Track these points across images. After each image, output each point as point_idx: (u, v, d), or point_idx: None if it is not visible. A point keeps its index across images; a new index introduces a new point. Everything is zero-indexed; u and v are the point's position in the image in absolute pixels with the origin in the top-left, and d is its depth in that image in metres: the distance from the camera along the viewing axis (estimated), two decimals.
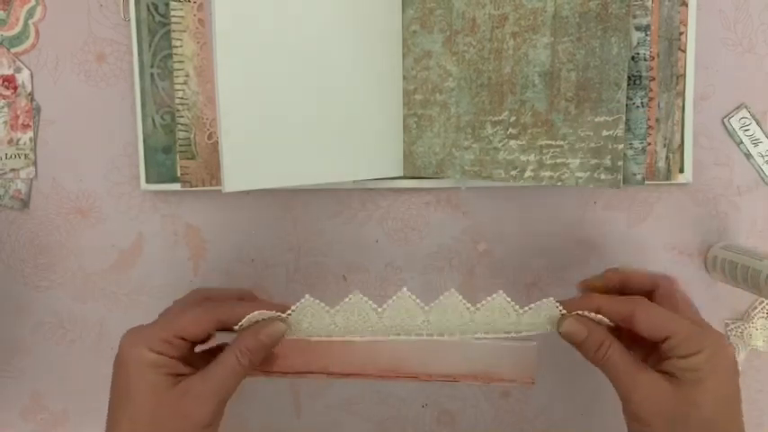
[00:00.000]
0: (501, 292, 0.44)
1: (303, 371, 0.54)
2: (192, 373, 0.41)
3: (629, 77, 0.46)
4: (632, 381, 0.40)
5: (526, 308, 0.44)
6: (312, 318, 0.45)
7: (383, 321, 0.45)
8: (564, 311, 0.43)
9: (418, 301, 0.44)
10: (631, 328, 0.41)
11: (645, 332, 0.40)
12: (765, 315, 0.53)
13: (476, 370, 0.54)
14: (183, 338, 0.41)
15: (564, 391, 0.54)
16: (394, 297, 0.44)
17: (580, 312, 0.42)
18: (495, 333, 0.47)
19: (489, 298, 0.45)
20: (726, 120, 0.51)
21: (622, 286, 0.44)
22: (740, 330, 0.53)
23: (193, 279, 0.53)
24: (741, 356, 0.53)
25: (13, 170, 0.52)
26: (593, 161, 0.45)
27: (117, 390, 0.41)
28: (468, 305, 0.44)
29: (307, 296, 0.42)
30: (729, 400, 0.40)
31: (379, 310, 0.44)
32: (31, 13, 0.52)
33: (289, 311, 0.43)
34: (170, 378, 0.40)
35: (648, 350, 0.42)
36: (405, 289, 0.43)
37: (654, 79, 0.47)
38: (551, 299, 0.43)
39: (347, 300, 0.44)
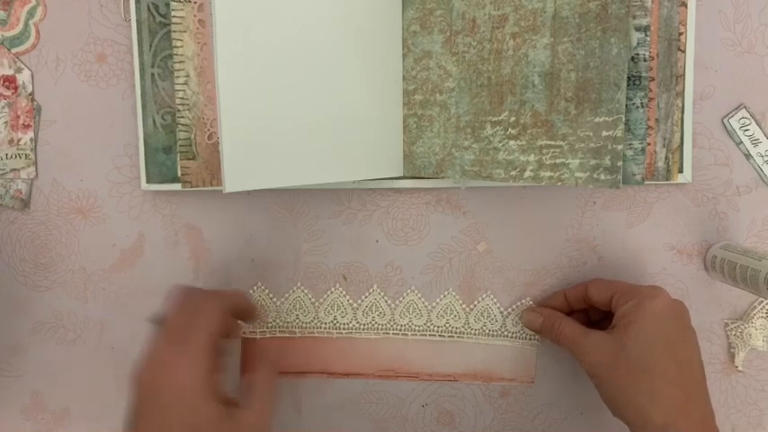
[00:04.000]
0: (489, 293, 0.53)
1: (303, 371, 0.54)
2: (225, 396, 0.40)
3: (628, 78, 0.46)
4: (580, 343, 0.47)
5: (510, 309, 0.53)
6: (299, 311, 0.53)
7: (357, 319, 0.53)
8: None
9: (388, 300, 0.53)
10: (589, 302, 0.50)
11: (596, 298, 0.49)
12: (765, 315, 0.53)
13: (476, 370, 0.54)
14: (213, 335, 0.40)
15: (564, 391, 0.54)
16: (366, 293, 0.53)
17: (533, 306, 0.53)
18: (486, 337, 0.54)
19: (476, 301, 0.53)
20: (725, 120, 0.51)
21: (566, 300, 0.51)
22: (740, 330, 0.53)
23: (194, 279, 0.54)
24: (741, 356, 0.53)
25: (13, 170, 0.52)
26: (593, 161, 0.45)
27: (166, 423, 0.37)
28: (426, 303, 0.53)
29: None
30: (657, 342, 0.44)
31: (354, 305, 0.53)
32: (31, 14, 0.52)
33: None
34: (221, 405, 0.38)
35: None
36: (375, 286, 0.53)
37: (653, 80, 0.48)
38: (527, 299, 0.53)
39: (330, 292, 0.53)
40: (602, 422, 0.54)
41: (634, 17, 0.46)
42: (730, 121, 0.51)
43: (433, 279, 0.53)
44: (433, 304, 0.53)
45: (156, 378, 0.38)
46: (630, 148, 0.47)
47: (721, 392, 0.54)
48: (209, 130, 0.49)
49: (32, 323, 0.54)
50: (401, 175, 0.51)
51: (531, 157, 0.47)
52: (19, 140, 0.52)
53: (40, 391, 0.55)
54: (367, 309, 0.54)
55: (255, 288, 0.54)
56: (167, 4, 0.49)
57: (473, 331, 0.53)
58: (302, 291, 0.54)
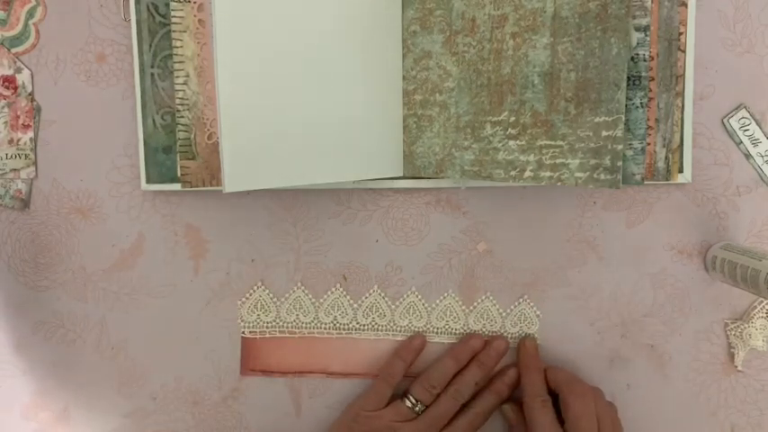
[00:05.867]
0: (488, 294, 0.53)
1: (303, 371, 0.54)
2: None
3: (628, 78, 0.46)
4: None
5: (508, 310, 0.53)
6: (299, 311, 0.53)
7: (357, 319, 0.53)
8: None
9: (388, 300, 0.53)
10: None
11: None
12: (765, 315, 0.53)
13: None
14: None
15: None
16: (363, 297, 0.53)
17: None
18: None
19: (476, 303, 0.53)
20: (725, 120, 0.51)
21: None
22: (740, 330, 0.53)
23: (194, 279, 0.54)
24: (741, 356, 0.53)
25: (13, 170, 0.52)
26: (593, 161, 0.45)
27: None
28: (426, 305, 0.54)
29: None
30: None
31: (355, 305, 0.53)
32: (31, 14, 0.52)
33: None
34: None
35: None
36: (375, 286, 0.54)
37: (653, 79, 0.48)
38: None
39: (330, 292, 0.53)
40: None
41: (634, 17, 0.46)
42: (730, 121, 0.51)
43: (433, 279, 0.53)
44: (433, 306, 0.53)
45: None
46: (630, 148, 0.47)
47: (721, 392, 0.54)
48: (208, 130, 0.49)
49: (32, 323, 0.54)
50: (401, 175, 0.51)
51: (531, 157, 0.47)
52: (19, 140, 0.52)
53: (40, 391, 0.55)
54: (367, 309, 0.54)
55: (255, 288, 0.54)
56: (167, 4, 0.49)
57: (473, 333, 0.53)
58: (302, 291, 0.54)
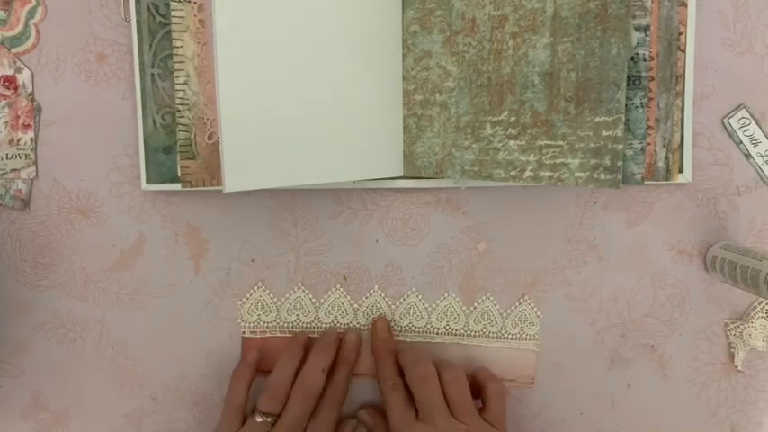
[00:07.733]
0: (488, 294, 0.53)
1: None
2: None
3: (628, 78, 0.46)
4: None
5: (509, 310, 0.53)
6: (299, 311, 0.53)
7: (358, 319, 0.54)
8: None
9: (389, 301, 0.53)
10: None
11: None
12: (765, 315, 0.53)
13: (476, 370, 0.54)
14: None
15: (564, 392, 0.54)
16: (363, 298, 0.53)
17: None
18: (486, 339, 0.54)
19: (477, 303, 0.53)
20: (725, 120, 0.51)
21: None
22: (740, 330, 0.53)
23: (194, 279, 0.54)
24: (741, 356, 0.53)
25: (13, 170, 0.52)
26: (593, 161, 0.45)
27: None
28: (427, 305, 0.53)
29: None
30: None
31: (355, 305, 0.53)
32: (31, 14, 0.52)
33: None
34: None
35: None
36: (376, 286, 0.54)
37: (653, 79, 0.48)
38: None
39: (331, 292, 0.53)
40: (602, 422, 0.54)
41: (634, 17, 0.46)
42: (730, 121, 0.51)
43: (433, 279, 0.53)
44: (434, 306, 0.53)
45: None
46: (630, 148, 0.47)
47: (721, 392, 0.54)
48: (209, 130, 0.49)
49: (32, 323, 0.54)
50: (401, 175, 0.51)
51: (531, 157, 0.47)
52: (19, 140, 0.52)
53: (40, 391, 0.55)
54: (367, 309, 0.54)
55: (256, 288, 0.54)
56: (167, 4, 0.49)
57: (473, 333, 0.53)
58: (303, 291, 0.54)
